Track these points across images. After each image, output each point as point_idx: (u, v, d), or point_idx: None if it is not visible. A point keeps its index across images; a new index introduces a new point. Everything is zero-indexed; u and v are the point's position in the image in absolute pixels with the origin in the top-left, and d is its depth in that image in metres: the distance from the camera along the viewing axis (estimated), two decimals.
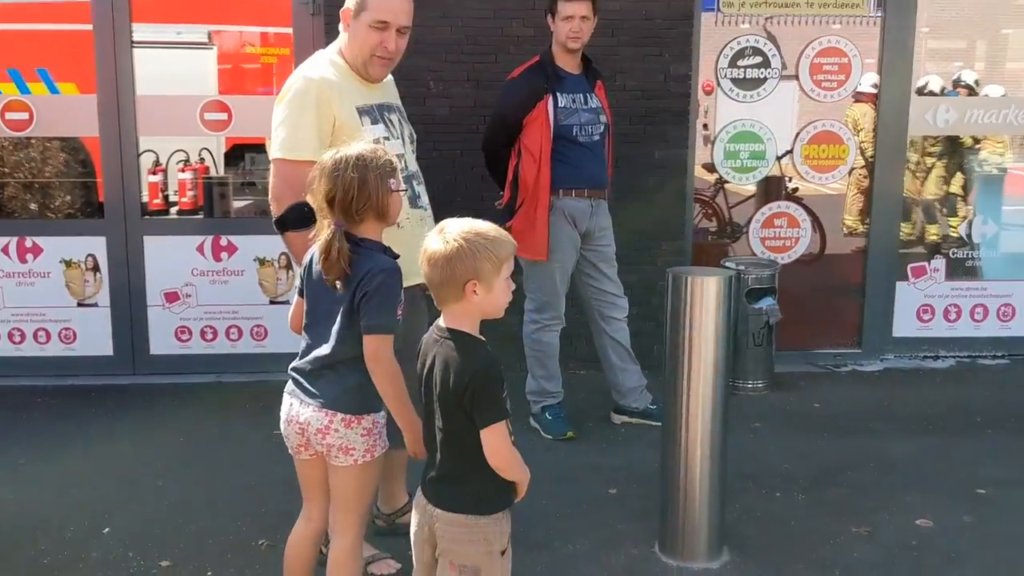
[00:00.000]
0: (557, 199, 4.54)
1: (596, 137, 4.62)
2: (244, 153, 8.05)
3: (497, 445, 2.36)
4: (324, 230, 2.65)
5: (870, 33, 5.92)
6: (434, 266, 2.38)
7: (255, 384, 5.45)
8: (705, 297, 3.38)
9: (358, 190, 2.62)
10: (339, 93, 3.24)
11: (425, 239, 2.42)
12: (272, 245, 5.61)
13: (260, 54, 7.28)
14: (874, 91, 6.18)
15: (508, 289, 2.44)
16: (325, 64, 3.34)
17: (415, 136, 3.59)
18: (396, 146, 3.35)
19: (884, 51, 5.86)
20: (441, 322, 2.46)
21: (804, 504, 4.04)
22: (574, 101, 4.55)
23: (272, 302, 5.73)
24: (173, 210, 7.33)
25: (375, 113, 3.34)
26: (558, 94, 4.51)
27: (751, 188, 6.73)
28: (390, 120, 3.41)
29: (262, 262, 5.70)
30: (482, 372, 2.35)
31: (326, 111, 3.20)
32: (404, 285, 3.29)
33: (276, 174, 3.21)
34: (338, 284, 2.66)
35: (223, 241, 5.67)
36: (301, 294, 2.85)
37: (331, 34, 5.37)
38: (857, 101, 7.16)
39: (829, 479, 4.28)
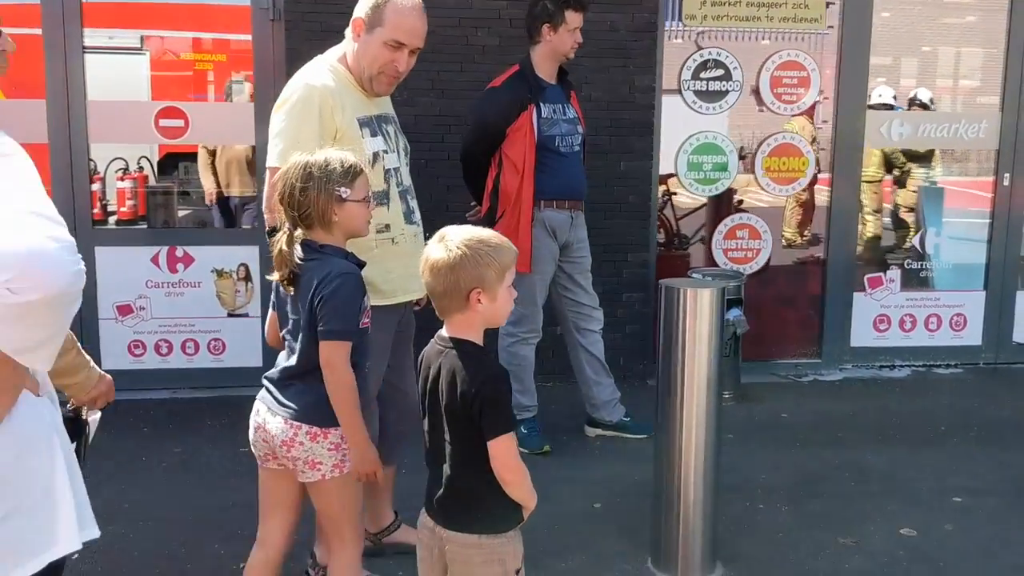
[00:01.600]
0: (539, 211, 4.47)
1: (576, 148, 4.58)
2: (177, 162, 7.87)
3: (506, 457, 2.29)
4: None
5: (828, 46, 6.00)
6: (437, 275, 2.31)
7: (212, 400, 5.29)
8: (699, 309, 3.37)
9: (300, 194, 2.61)
10: (341, 102, 3.13)
11: (425, 248, 2.36)
12: (230, 256, 5.46)
13: (214, 60, 7.09)
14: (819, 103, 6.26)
15: (511, 297, 2.40)
16: (325, 71, 3.21)
17: (409, 148, 3.48)
18: (393, 160, 3.27)
19: (841, 65, 5.94)
20: (444, 332, 2.39)
21: (788, 515, 4.04)
22: (555, 111, 4.49)
23: (230, 315, 5.55)
24: (112, 219, 7.12)
25: (374, 125, 3.24)
26: (541, 104, 4.44)
27: (701, 199, 6.73)
28: (387, 132, 3.32)
29: (220, 274, 5.52)
30: (492, 381, 2.29)
31: (328, 121, 3.09)
32: (397, 301, 3.22)
33: (272, 183, 3.08)
34: (287, 285, 2.66)
35: (179, 252, 5.48)
36: (275, 307, 2.81)
37: (291, 40, 5.29)
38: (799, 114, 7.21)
39: (808, 490, 4.29)
